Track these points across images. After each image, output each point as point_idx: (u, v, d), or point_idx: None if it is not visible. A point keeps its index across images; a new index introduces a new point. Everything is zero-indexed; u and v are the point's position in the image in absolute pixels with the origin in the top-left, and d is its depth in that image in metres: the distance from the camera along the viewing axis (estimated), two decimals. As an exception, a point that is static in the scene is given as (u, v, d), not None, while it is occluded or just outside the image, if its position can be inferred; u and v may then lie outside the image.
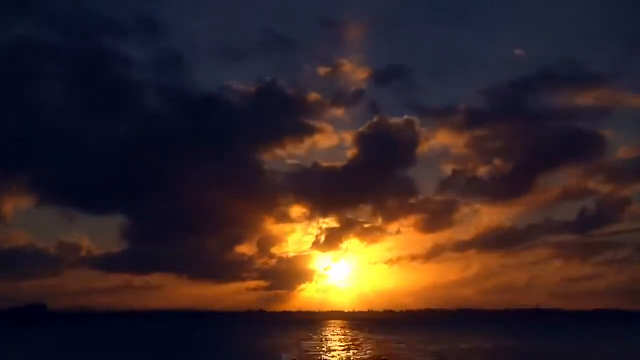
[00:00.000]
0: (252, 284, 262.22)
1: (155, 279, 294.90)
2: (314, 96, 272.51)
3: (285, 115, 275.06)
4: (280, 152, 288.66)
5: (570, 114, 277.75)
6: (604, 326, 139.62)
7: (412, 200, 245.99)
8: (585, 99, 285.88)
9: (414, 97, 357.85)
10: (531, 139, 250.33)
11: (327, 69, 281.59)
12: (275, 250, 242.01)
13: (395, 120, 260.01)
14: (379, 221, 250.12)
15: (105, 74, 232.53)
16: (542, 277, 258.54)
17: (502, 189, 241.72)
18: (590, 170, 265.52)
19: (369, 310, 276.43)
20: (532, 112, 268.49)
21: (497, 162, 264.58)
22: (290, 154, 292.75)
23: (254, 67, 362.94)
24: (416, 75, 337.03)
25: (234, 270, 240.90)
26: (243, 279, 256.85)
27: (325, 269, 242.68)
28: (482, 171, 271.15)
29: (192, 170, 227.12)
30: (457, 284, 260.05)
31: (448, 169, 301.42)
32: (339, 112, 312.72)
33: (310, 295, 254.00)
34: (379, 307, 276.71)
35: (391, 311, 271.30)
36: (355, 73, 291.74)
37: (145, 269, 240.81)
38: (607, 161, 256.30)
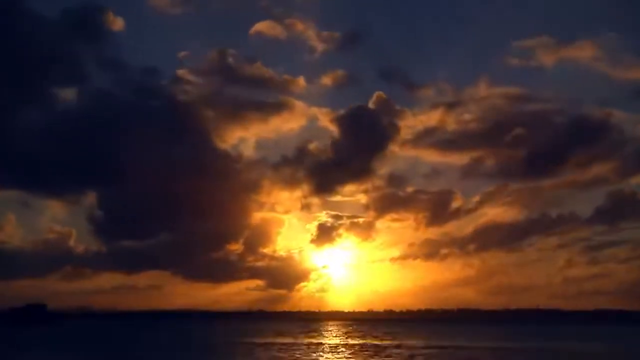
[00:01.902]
0: (251, 283, 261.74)
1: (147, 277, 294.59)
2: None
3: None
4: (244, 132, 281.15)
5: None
6: (603, 326, 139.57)
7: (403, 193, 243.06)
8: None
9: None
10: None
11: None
12: (268, 249, 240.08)
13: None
14: (372, 215, 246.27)
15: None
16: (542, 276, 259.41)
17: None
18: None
19: (368, 310, 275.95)
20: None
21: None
22: (257, 135, 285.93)
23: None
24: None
25: (230, 270, 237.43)
26: (239, 278, 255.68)
27: (323, 267, 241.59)
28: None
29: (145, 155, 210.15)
30: (457, 284, 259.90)
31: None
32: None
33: (309, 294, 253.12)
34: (379, 307, 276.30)
35: (391, 311, 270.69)
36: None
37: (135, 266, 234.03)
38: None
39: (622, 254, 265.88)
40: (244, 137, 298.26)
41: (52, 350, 65.38)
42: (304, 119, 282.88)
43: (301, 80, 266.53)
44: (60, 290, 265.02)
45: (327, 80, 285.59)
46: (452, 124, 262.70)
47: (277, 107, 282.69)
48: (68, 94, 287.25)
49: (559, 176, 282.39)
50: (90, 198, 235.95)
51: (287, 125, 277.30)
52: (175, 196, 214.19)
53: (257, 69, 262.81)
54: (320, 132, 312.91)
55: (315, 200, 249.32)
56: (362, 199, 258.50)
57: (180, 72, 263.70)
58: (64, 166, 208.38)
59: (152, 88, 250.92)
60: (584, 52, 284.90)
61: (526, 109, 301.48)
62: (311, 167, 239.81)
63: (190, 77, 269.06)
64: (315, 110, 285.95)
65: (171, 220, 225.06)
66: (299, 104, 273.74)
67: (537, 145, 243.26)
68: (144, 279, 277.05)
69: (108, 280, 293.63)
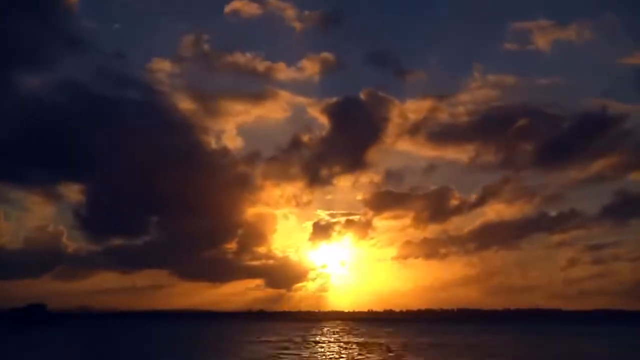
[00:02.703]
0: (250, 283, 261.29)
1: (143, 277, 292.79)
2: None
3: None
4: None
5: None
6: (603, 326, 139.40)
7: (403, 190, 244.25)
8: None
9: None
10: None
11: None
12: (263, 247, 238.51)
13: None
14: (370, 214, 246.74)
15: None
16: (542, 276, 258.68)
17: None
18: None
19: (369, 310, 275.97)
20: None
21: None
22: (240, 127, 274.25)
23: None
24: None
25: (227, 269, 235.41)
26: (237, 278, 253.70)
27: (322, 267, 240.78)
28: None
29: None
30: (457, 283, 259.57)
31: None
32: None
33: (309, 294, 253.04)
34: (378, 307, 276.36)
35: (391, 311, 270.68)
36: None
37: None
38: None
39: (624, 253, 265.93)
40: (224, 129, 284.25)
41: (52, 350, 65.34)
42: (289, 108, 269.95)
43: (282, 66, 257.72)
44: (57, 290, 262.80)
45: (309, 65, 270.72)
46: (446, 115, 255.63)
47: (260, 97, 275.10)
48: (32, 82, 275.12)
49: (561, 171, 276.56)
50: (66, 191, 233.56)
51: (271, 115, 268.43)
52: (158, 191, 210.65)
53: (237, 58, 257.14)
54: (308, 123, 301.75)
55: (309, 197, 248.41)
56: (358, 195, 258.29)
57: (154, 60, 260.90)
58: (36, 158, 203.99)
59: (125, 76, 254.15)
60: (581, 34, 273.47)
61: (524, 99, 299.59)
62: (303, 161, 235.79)
63: (165, 65, 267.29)
64: (301, 99, 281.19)
65: (155, 217, 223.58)
66: (283, 93, 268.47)
67: (537, 139, 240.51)
68: (139, 278, 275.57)
69: (99, 280, 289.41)
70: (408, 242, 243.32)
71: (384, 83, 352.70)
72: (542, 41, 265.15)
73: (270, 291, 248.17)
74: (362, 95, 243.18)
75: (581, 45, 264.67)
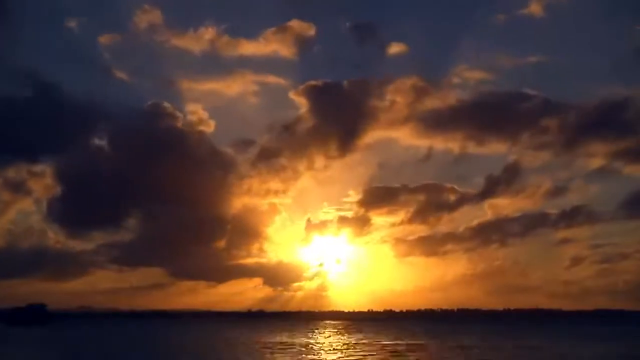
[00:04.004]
0: (250, 282, 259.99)
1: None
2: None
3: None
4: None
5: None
6: (603, 326, 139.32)
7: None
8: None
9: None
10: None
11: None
12: (257, 245, 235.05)
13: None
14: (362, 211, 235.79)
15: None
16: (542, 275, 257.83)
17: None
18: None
19: (369, 310, 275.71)
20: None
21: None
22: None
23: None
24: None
25: (225, 268, 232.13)
26: (236, 278, 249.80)
27: (319, 265, 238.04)
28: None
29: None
30: (457, 283, 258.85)
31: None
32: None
33: (308, 294, 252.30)
34: (378, 307, 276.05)
35: (391, 311, 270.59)
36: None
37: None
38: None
39: (625, 252, 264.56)
40: (195, 110, 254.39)
41: (52, 350, 65.30)
42: (262, 90, 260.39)
43: (248, 41, 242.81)
44: (54, 290, 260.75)
45: (275, 38, 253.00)
46: (436, 98, 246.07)
47: (227, 76, 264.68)
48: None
49: (563, 165, 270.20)
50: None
51: (242, 97, 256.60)
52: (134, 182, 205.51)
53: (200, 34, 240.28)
54: (285, 106, 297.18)
55: (296, 188, 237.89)
56: (351, 191, 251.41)
57: (103, 37, 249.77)
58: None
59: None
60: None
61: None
62: (287, 150, 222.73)
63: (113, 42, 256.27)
64: (274, 79, 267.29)
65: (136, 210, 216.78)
66: (252, 72, 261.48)
67: (538, 126, 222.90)
68: (135, 277, 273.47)
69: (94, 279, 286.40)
70: (405, 240, 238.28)
71: (364, 60, 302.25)
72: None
73: (269, 290, 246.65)
74: (345, 83, 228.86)
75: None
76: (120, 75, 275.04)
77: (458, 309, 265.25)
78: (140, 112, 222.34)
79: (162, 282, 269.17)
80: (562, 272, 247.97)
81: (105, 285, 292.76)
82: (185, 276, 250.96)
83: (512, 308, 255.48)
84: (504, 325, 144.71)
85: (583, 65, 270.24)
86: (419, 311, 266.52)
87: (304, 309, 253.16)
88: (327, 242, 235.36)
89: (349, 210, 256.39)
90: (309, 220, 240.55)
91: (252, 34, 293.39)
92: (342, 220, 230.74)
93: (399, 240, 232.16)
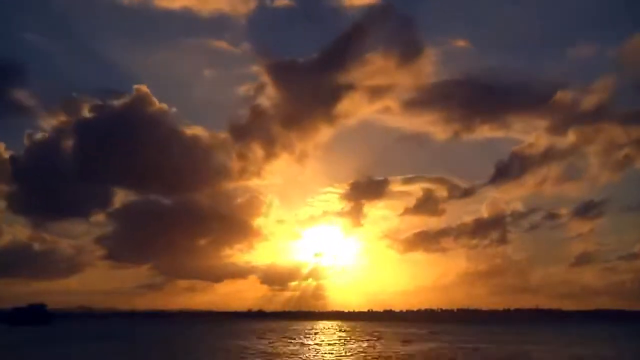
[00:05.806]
0: (249, 282, 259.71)
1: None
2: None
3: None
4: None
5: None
6: (603, 326, 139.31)
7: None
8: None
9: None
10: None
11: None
12: (263, 247, 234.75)
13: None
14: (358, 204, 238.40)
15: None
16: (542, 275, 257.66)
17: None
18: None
19: (369, 310, 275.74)
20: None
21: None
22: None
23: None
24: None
25: (223, 268, 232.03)
26: (235, 277, 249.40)
27: (317, 264, 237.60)
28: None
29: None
30: (457, 283, 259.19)
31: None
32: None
33: (307, 294, 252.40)
34: (378, 306, 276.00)
35: (391, 311, 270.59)
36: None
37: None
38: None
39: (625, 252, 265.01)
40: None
41: (52, 350, 65.30)
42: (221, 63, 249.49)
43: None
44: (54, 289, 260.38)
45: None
46: (424, 75, 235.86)
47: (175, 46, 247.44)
48: None
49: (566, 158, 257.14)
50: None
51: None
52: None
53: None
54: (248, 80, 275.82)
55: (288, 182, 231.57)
56: (340, 187, 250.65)
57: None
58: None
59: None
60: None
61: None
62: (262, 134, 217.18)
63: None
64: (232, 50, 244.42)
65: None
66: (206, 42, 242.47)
67: (534, 111, 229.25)
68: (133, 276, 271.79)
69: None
70: (402, 237, 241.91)
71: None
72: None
73: (269, 290, 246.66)
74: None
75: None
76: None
77: (458, 309, 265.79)
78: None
79: (159, 282, 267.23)
80: (562, 272, 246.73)
81: (104, 285, 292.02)
82: (178, 275, 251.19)
83: (512, 308, 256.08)
84: (504, 326, 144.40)
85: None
86: (418, 311, 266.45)
87: (304, 308, 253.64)
88: (326, 241, 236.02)
89: (343, 205, 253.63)
90: (306, 215, 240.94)
91: None
92: (339, 215, 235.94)
93: (395, 238, 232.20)
